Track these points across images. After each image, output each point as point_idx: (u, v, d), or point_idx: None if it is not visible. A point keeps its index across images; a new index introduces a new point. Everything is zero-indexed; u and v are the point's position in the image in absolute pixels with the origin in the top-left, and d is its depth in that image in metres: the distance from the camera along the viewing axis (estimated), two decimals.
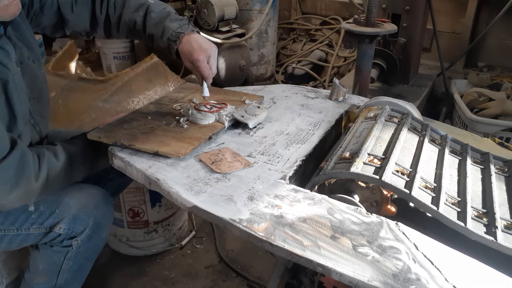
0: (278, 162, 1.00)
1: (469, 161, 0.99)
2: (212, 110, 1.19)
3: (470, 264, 0.70)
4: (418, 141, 1.03)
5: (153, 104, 1.30)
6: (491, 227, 0.78)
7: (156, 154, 1.00)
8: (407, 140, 1.01)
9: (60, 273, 1.12)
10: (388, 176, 0.83)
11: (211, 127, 1.13)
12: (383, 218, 0.79)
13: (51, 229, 1.06)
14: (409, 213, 0.91)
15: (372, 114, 1.13)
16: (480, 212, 0.83)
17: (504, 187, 0.94)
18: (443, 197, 0.83)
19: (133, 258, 1.78)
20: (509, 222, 0.81)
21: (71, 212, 1.06)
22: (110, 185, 1.30)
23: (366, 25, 1.90)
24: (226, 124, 1.15)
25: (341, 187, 0.91)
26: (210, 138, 1.08)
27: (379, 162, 0.90)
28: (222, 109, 1.19)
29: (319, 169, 0.96)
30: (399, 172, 0.87)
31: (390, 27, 1.91)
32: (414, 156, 0.96)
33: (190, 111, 1.18)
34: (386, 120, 1.10)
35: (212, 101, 1.24)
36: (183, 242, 1.86)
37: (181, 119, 1.16)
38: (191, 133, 1.09)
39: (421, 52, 2.83)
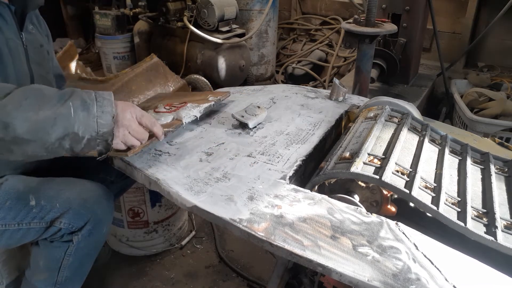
0: (278, 162, 1.00)
1: (469, 161, 0.99)
2: (170, 110, 1.19)
3: (470, 264, 0.70)
4: (418, 141, 1.03)
5: None
6: (491, 227, 0.78)
7: (107, 157, 1.00)
8: (407, 140, 1.01)
9: (61, 269, 1.12)
10: (388, 176, 0.83)
11: (168, 125, 1.12)
12: (383, 218, 0.79)
13: (51, 224, 1.06)
14: (409, 213, 0.91)
15: (372, 114, 1.13)
16: (480, 212, 0.83)
17: (504, 187, 0.94)
18: (443, 197, 0.83)
19: (133, 258, 1.78)
20: (509, 222, 0.81)
21: (71, 206, 1.07)
22: (112, 187, 1.30)
23: (366, 25, 1.90)
24: (184, 120, 1.14)
25: (341, 187, 0.91)
26: (165, 135, 1.07)
27: (379, 162, 0.90)
28: (181, 108, 1.19)
29: (319, 169, 0.96)
30: (399, 172, 0.87)
31: (390, 27, 1.91)
32: (414, 156, 0.95)
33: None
34: (386, 120, 1.10)
35: (174, 102, 1.24)
36: (183, 242, 1.86)
37: None
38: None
39: (421, 52, 2.83)
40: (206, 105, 1.22)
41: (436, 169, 0.94)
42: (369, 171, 0.86)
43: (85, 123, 0.84)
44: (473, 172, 0.96)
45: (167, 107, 1.21)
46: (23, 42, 1.10)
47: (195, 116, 1.17)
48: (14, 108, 0.78)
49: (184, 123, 1.14)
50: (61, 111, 0.81)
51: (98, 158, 0.96)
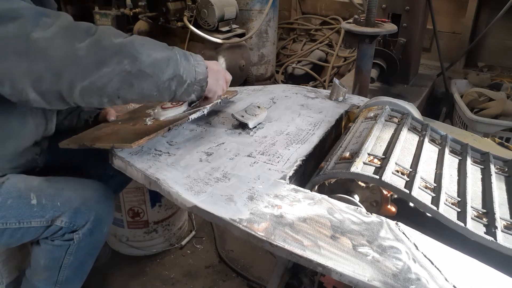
0: (278, 162, 1.00)
1: (469, 161, 0.99)
2: (176, 105, 1.19)
3: (470, 264, 0.70)
4: (418, 141, 1.03)
5: (129, 113, 1.33)
6: (491, 227, 0.78)
7: (113, 148, 1.02)
8: (407, 140, 1.01)
9: (61, 268, 1.13)
10: (388, 176, 0.83)
11: (174, 120, 1.13)
12: (383, 218, 0.79)
13: (52, 223, 1.06)
14: (409, 213, 0.91)
15: (372, 114, 1.13)
16: (480, 212, 0.83)
17: (504, 187, 0.94)
18: (443, 197, 0.83)
19: (133, 258, 1.78)
20: (509, 222, 0.81)
21: (72, 205, 1.07)
22: (111, 182, 1.31)
23: (366, 25, 1.90)
24: (192, 116, 1.14)
25: (341, 187, 0.91)
26: (169, 129, 1.08)
27: (379, 162, 0.90)
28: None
29: (319, 169, 0.96)
30: (399, 172, 0.87)
31: (390, 27, 1.91)
32: (414, 156, 0.96)
33: (156, 110, 1.20)
34: (386, 120, 1.10)
35: None
36: (183, 242, 1.86)
37: (147, 119, 1.17)
38: (153, 127, 1.10)
39: (421, 52, 2.83)
40: (213, 102, 1.22)
41: (436, 169, 0.94)
42: (369, 171, 0.86)
43: (187, 69, 0.95)
44: (473, 172, 0.96)
45: (174, 103, 1.22)
46: None
47: (203, 112, 1.18)
48: (139, 45, 0.88)
49: (191, 119, 1.14)
50: (171, 55, 0.93)
51: (190, 105, 1.12)
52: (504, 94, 2.33)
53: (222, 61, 2.91)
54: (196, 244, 1.89)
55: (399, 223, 0.78)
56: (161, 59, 0.90)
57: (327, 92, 1.50)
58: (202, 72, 1.00)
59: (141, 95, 0.91)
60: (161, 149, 1.06)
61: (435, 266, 0.68)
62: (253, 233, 0.76)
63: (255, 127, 1.19)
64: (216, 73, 1.07)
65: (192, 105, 1.12)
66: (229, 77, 1.15)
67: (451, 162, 0.99)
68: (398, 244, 0.73)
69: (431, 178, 0.89)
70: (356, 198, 0.89)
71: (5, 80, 0.84)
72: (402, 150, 0.96)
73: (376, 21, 1.93)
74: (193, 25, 2.86)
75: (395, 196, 0.88)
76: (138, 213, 1.68)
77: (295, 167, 0.98)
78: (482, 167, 1.00)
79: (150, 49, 0.90)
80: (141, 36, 0.92)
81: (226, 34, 2.90)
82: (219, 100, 1.26)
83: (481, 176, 0.96)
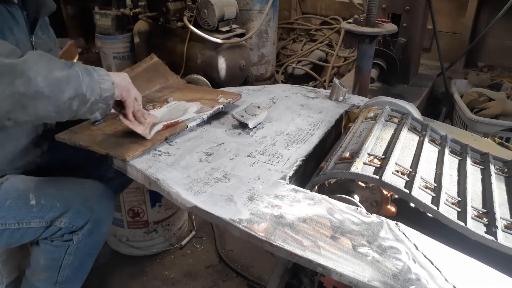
0: (278, 162, 1.00)
1: (469, 161, 0.99)
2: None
3: (470, 264, 0.70)
4: (418, 141, 1.03)
5: None
6: (491, 227, 0.78)
7: (108, 156, 1.02)
8: (407, 140, 1.01)
9: (61, 269, 1.13)
10: (388, 176, 0.83)
11: (173, 128, 1.12)
12: (383, 218, 0.79)
13: (51, 223, 1.06)
14: (409, 213, 0.91)
15: (372, 114, 1.13)
16: (480, 212, 0.83)
17: (504, 187, 0.94)
18: (443, 197, 0.83)
19: (133, 258, 1.78)
20: (509, 222, 0.81)
21: (72, 206, 1.07)
22: (112, 183, 1.30)
23: (366, 25, 1.90)
24: (190, 124, 1.15)
25: (341, 187, 0.91)
26: (166, 139, 1.08)
27: (379, 162, 0.90)
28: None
29: (319, 169, 0.96)
30: (399, 172, 0.87)
31: (390, 27, 1.91)
32: (414, 156, 0.95)
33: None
34: (386, 120, 1.10)
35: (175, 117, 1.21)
36: (183, 242, 1.86)
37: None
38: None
39: (421, 52, 2.83)
40: (215, 108, 1.24)
41: (436, 169, 0.94)
42: (369, 171, 0.86)
43: (90, 86, 0.89)
44: (473, 172, 0.96)
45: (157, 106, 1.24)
46: (32, 45, 1.11)
47: (203, 118, 1.19)
48: (34, 63, 0.82)
49: (189, 126, 1.15)
50: (72, 73, 0.87)
51: (94, 124, 1.02)
52: (504, 94, 2.33)
53: (222, 61, 2.91)
54: (196, 244, 1.89)
55: (399, 223, 0.78)
56: (60, 77, 0.84)
57: (327, 92, 1.50)
58: (108, 88, 0.93)
59: (36, 116, 0.85)
60: (161, 149, 1.06)
61: (435, 266, 0.68)
62: (253, 233, 0.76)
63: (255, 127, 1.19)
64: (125, 84, 1.00)
65: (96, 123, 1.02)
66: (139, 95, 1.08)
67: (451, 163, 0.99)
68: (398, 244, 0.73)
69: (431, 178, 0.89)
70: (356, 198, 0.89)
71: None
72: (402, 150, 0.96)
73: (376, 21, 1.93)
74: (193, 25, 2.86)
75: (395, 196, 0.88)
76: (138, 213, 1.68)
77: (295, 167, 0.98)
78: (482, 167, 1.00)
79: (48, 68, 0.83)
80: (39, 53, 0.87)
81: (226, 34, 2.89)
82: (221, 106, 1.27)
83: (481, 177, 0.96)
